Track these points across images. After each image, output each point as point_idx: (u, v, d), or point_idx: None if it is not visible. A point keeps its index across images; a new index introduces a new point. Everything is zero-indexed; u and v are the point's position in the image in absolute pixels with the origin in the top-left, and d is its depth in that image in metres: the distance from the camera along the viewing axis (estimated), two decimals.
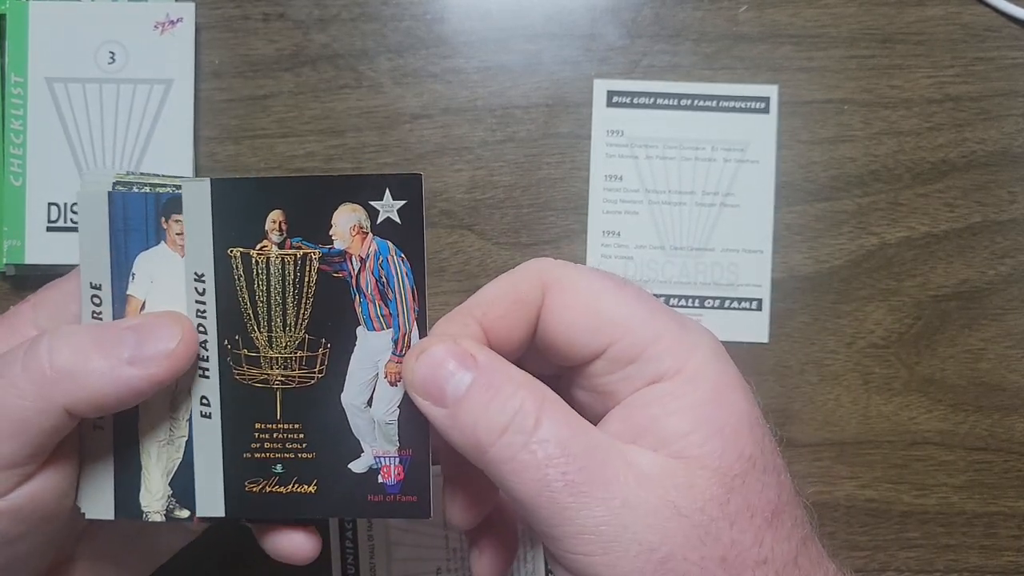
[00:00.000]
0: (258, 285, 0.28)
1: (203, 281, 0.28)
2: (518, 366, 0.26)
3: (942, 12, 0.44)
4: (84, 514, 0.29)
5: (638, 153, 0.44)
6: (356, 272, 0.28)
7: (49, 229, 0.41)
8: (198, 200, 0.28)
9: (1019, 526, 0.43)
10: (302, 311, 0.28)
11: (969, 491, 0.43)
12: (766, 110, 0.44)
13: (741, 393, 0.26)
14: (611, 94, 0.44)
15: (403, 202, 0.27)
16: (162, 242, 0.28)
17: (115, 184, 0.28)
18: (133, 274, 0.28)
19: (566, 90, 0.44)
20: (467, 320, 0.26)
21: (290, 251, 0.28)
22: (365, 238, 0.27)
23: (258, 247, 0.28)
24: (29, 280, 0.42)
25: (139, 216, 0.28)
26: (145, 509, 0.29)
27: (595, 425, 0.26)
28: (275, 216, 0.27)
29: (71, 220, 0.41)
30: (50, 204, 0.41)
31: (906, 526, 0.43)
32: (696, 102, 0.44)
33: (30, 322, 0.29)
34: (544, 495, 0.24)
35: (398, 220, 0.27)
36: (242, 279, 0.28)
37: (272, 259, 0.28)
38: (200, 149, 0.43)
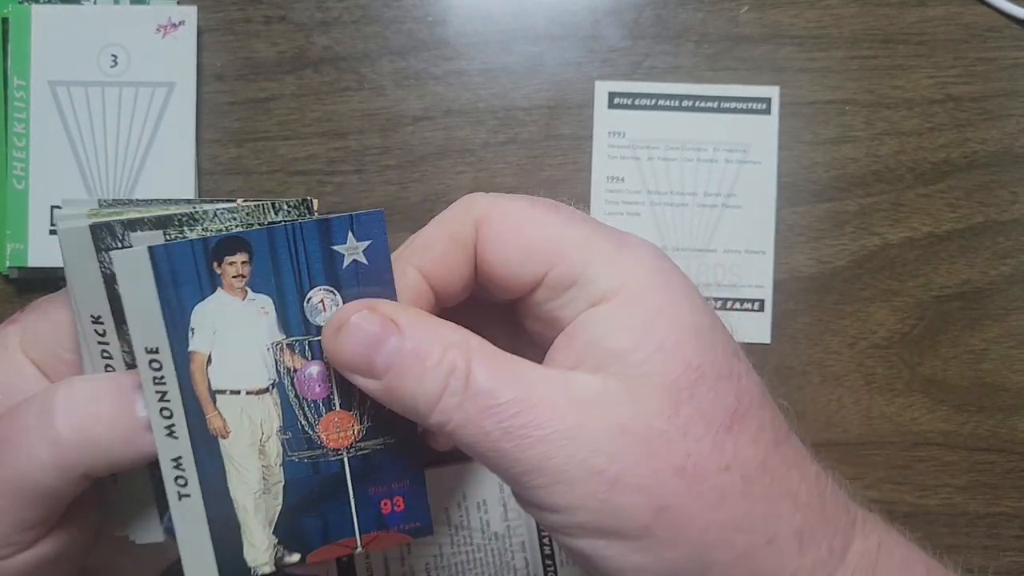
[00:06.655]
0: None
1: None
2: (473, 300, 0.27)
3: (943, 12, 0.44)
4: None
5: (640, 154, 0.44)
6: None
7: (52, 232, 0.41)
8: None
9: (1022, 526, 0.43)
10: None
11: (972, 492, 0.43)
12: (768, 111, 0.44)
13: (685, 304, 0.25)
14: (613, 95, 0.44)
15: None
16: (219, 288, 0.26)
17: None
18: (192, 329, 0.26)
19: (568, 92, 0.44)
20: (405, 268, 0.26)
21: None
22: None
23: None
24: (32, 283, 0.42)
25: (188, 267, 0.26)
26: (252, 564, 0.28)
27: (546, 352, 0.26)
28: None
29: None
30: (53, 207, 0.41)
31: (909, 526, 0.43)
32: (698, 103, 0.44)
33: (21, 351, 0.28)
34: (486, 445, 0.24)
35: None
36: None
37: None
38: (202, 152, 0.43)
